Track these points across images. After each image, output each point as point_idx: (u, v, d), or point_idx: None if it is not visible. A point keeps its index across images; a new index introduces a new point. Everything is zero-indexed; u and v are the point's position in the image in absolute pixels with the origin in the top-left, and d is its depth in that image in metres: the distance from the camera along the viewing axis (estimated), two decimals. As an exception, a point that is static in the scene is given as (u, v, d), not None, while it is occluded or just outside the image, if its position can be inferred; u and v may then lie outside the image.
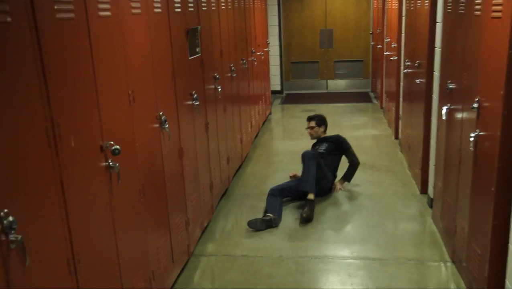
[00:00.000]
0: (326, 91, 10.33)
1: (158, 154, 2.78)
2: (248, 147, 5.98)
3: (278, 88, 10.26)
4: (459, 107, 3.22)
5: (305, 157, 4.59)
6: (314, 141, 5.24)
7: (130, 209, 2.38)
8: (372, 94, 9.83)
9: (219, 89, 4.24)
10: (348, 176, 4.98)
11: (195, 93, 3.49)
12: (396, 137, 6.49)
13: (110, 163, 2.10)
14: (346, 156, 5.09)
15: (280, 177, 5.23)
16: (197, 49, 3.65)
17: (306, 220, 4.13)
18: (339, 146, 5.07)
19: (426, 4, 4.28)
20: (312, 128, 5.14)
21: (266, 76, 7.77)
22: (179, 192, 3.19)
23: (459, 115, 3.23)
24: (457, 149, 3.24)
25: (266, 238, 3.87)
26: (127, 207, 2.33)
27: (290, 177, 5.10)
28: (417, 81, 4.66)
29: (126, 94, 2.31)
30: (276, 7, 9.89)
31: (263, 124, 7.63)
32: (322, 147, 5.06)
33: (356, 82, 10.28)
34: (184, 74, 3.32)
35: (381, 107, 8.40)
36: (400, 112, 6.12)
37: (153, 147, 2.71)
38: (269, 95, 8.12)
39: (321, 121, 5.19)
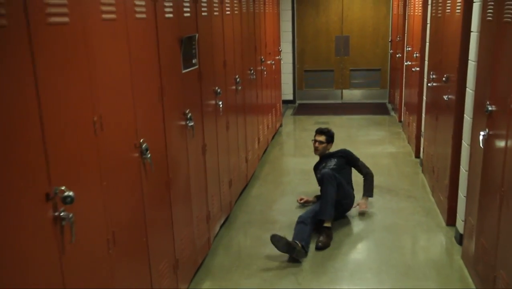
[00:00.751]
0: (341, 101, 9.80)
1: (137, 191, 2.30)
2: (254, 166, 5.48)
3: (290, 97, 9.77)
4: (502, 133, 2.69)
5: (324, 179, 4.12)
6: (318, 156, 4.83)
7: (93, 269, 1.89)
8: (389, 106, 9.28)
9: (221, 105, 3.76)
10: (369, 191, 4.53)
11: (189, 112, 3.01)
12: (417, 156, 5.95)
13: (61, 214, 1.62)
14: (358, 169, 4.67)
15: (289, 201, 4.73)
16: (194, 61, 3.17)
17: (322, 248, 3.76)
18: (349, 160, 4.66)
19: (458, 10, 3.75)
20: (320, 142, 4.68)
21: (277, 86, 7.28)
22: (165, 233, 2.71)
23: (501, 144, 2.70)
24: (498, 184, 2.71)
25: (271, 279, 3.36)
26: (86, 270, 1.84)
27: (298, 201, 4.60)
28: (445, 97, 4.12)
29: (88, 121, 1.82)
30: (289, 12, 9.40)
31: (273, 137, 7.13)
32: (332, 163, 4.60)
33: (373, 92, 9.73)
34: (176, 91, 2.85)
35: (400, 121, 7.85)
36: (422, 129, 5.58)
37: (129, 182, 2.23)
38: (280, 107, 7.63)
39: (331, 138, 4.75)
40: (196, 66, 3.22)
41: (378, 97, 9.70)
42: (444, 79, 4.16)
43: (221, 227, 4.04)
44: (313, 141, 4.75)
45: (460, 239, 3.70)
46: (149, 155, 2.33)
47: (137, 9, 2.28)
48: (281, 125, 7.87)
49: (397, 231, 4.06)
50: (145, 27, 2.39)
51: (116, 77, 2.09)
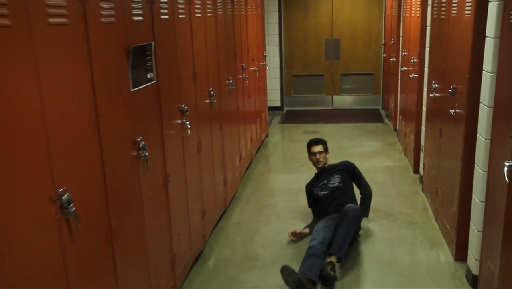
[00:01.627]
0: (331, 108, 9.23)
1: (54, 261, 1.69)
2: (235, 186, 4.89)
3: (278, 104, 9.19)
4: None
5: (349, 214, 3.63)
6: (313, 173, 4.29)
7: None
8: (383, 112, 8.73)
9: (189, 125, 3.16)
10: (366, 211, 4.12)
11: (141, 140, 2.41)
12: (416, 171, 5.38)
13: None
14: (358, 185, 4.17)
15: (273, 230, 4.14)
16: (150, 75, 2.57)
17: (332, 280, 3.27)
18: (352, 174, 4.17)
19: (468, 12, 3.18)
20: (321, 152, 4.16)
21: (262, 94, 6.69)
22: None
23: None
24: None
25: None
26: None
27: (290, 237, 3.95)
28: (452, 111, 3.55)
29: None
30: (276, 13, 8.82)
31: (258, 150, 6.54)
32: (335, 180, 4.08)
33: (365, 98, 9.18)
34: (121, 115, 2.24)
35: (395, 129, 7.29)
36: (422, 142, 5.02)
37: (44, 250, 1.62)
38: (265, 116, 7.03)
39: (326, 145, 4.24)
40: (153, 82, 2.62)
41: (371, 103, 9.14)
42: (450, 90, 3.58)
43: (192, 266, 3.44)
44: (311, 156, 4.20)
45: (473, 280, 3.13)
46: (72, 209, 1.72)
47: (52, 11, 1.67)
48: (267, 136, 7.28)
49: (399, 269, 3.47)
50: (67, 35, 1.78)
51: (19, 110, 1.49)
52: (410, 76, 5.55)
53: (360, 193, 4.19)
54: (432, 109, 4.40)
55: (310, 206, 4.27)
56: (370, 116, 8.54)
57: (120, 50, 2.22)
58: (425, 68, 4.80)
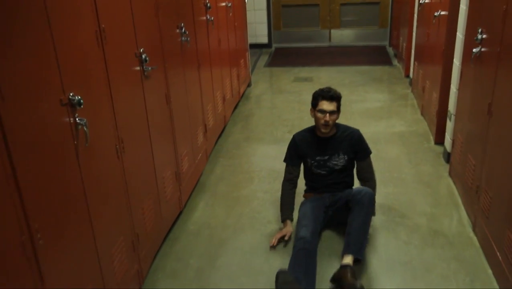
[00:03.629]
0: (328, 44, 7.76)
1: None
2: (198, 171, 3.64)
3: (264, 40, 7.71)
4: None
5: (364, 202, 2.80)
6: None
7: None
8: (391, 51, 7.28)
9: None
10: (373, 210, 3.00)
11: None
12: (439, 141, 4.12)
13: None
14: (360, 169, 3.08)
15: (246, 244, 2.95)
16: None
17: None
18: (359, 153, 3.05)
19: None
20: (333, 113, 2.92)
21: (240, 37, 5.23)
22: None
23: None
24: None
25: None
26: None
27: (273, 244, 2.90)
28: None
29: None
30: None
31: (236, 106, 5.22)
32: (339, 161, 3.01)
33: (369, 32, 7.68)
34: None
35: (407, 75, 5.93)
36: (451, 106, 3.71)
37: None
38: (246, 63, 5.62)
39: (340, 102, 2.99)
40: None
41: (376, 38, 7.66)
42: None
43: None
44: (318, 113, 2.92)
45: None
46: None
47: None
48: (249, 85, 5.91)
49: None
50: None
51: None
52: (436, 14, 4.11)
53: (360, 180, 3.08)
54: (475, 71, 3.05)
55: (288, 164, 3.10)
56: (376, 56, 7.11)
57: None
58: (462, 7, 3.39)
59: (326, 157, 3.00)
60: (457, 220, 3.13)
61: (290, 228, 2.96)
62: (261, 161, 4.03)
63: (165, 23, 2.80)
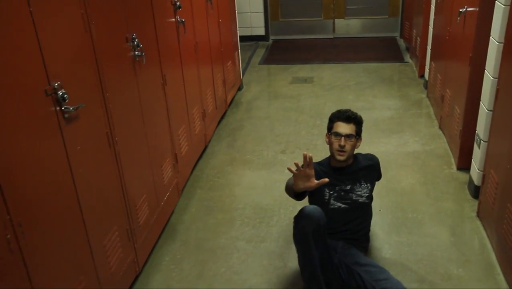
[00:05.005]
0: (332, 36, 6.96)
1: None
2: (167, 211, 2.94)
3: (261, 32, 6.93)
4: None
5: None
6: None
7: None
8: (402, 43, 6.47)
9: None
10: None
11: None
12: (463, 167, 3.39)
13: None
14: None
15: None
16: None
17: None
18: (378, 177, 2.65)
19: None
20: (350, 137, 2.42)
21: (226, 35, 4.46)
22: None
23: None
24: None
25: None
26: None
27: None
28: None
29: None
30: None
31: (224, 115, 4.49)
32: (363, 191, 2.48)
33: (378, 22, 6.86)
34: None
35: (421, 75, 5.16)
36: (480, 130, 2.98)
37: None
38: (234, 64, 4.85)
39: (361, 126, 2.51)
40: None
41: (386, 29, 6.84)
42: None
43: None
44: (333, 137, 2.43)
45: None
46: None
47: None
48: (240, 88, 5.17)
49: None
50: None
51: None
52: (461, 10, 3.32)
53: None
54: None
55: (292, 190, 2.31)
56: (385, 50, 6.30)
57: None
58: (499, 4, 2.63)
59: (348, 187, 2.43)
60: (493, 287, 2.42)
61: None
62: (246, 194, 3.31)
63: (104, 38, 2.07)
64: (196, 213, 3.14)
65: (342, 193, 2.44)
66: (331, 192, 2.43)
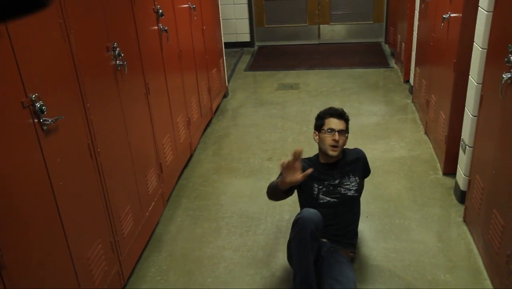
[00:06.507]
0: (317, 42, 6.97)
1: None
2: (152, 221, 2.89)
3: (246, 38, 6.92)
4: None
5: None
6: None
7: None
8: (387, 49, 6.51)
9: None
10: None
11: None
12: (448, 172, 3.40)
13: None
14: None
15: None
16: None
17: None
18: (366, 172, 2.66)
19: None
20: (342, 132, 2.49)
21: (210, 42, 4.43)
22: None
23: None
24: None
25: None
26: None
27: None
28: None
29: None
30: None
31: (209, 123, 4.46)
32: (352, 185, 2.51)
33: (363, 28, 6.89)
34: None
35: (406, 80, 5.19)
36: (465, 135, 2.99)
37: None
38: (219, 71, 4.83)
39: (348, 122, 2.59)
40: None
41: (371, 35, 6.87)
42: None
43: None
44: (326, 133, 2.47)
45: None
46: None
47: None
48: (226, 95, 5.15)
49: None
50: None
51: None
52: (445, 15, 3.34)
53: None
54: (505, 102, 2.30)
55: (278, 189, 2.32)
56: (370, 55, 6.33)
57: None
58: (482, 11, 2.64)
59: (337, 181, 2.46)
60: (481, 293, 2.41)
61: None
62: (232, 203, 3.28)
63: (83, 47, 2.03)
64: (182, 223, 3.10)
65: (331, 187, 2.47)
66: (319, 187, 2.47)
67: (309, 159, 2.57)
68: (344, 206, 2.48)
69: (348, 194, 2.47)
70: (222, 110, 4.84)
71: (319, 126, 2.50)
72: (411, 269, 2.58)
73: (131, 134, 2.56)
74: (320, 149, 2.50)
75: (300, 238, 2.19)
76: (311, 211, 2.23)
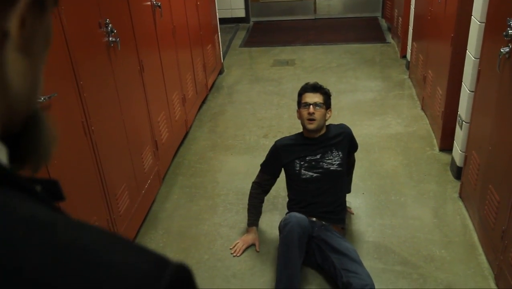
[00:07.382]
0: (313, 17, 6.89)
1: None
2: (148, 200, 2.89)
3: (241, 14, 6.83)
4: None
5: None
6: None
7: None
8: (384, 24, 6.44)
9: None
10: (349, 187, 2.85)
11: None
12: (445, 148, 3.40)
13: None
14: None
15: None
16: None
17: None
18: (352, 147, 2.65)
19: None
20: (317, 106, 2.47)
21: (205, 17, 4.37)
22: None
23: None
24: None
25: None
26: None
27: (236, 255, 2.55)
28: None
29: None
30: None
31: (204, 100, 4.43)
32: (335, 159, 2.50)
33: (359, 2, 6.80)
34: None
35: (403, 56, 5.14)
36: (462, 111, 2.98)
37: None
38: (214, 48, 4.77)
39: (329, 98, 2.58)
40: None
41: (367, 9, 6.80)
42: None
43: None
44: (302, 108, 2.51)
45: None
46: None
47: None
48: (221, 72, 5.10)
49: None
50: None
51: None
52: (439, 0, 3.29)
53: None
54: (503, 77, 2.28)
55: (264, 170, 2.62)
56: (367, 30, 6.26)
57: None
58: (481, -16, 2.59)
59: (318, 156, 2.47)
60: (475, 268, 2.43)
61: (255, 236, 2.64)
62: (228, 180, 3.28)
63: (75, 24, 1.99)
64: (178, 200, 3.10)
65: (313, 162, 2.48)
66: (301, 163, 2.49)
67: (293, 135, 2.61)
68: (327, 180, 2.48)
69: (331, 168, 2.47)
70: (218, 86, 4.80)
71: (298, 103, 2.56)
72: (406, 245, 2.60)
73: (126, 112, 2.54)
74: (302, 125, 2.52)
75: (288, 243, 2.21)
76: (298, 216, 2.26)
